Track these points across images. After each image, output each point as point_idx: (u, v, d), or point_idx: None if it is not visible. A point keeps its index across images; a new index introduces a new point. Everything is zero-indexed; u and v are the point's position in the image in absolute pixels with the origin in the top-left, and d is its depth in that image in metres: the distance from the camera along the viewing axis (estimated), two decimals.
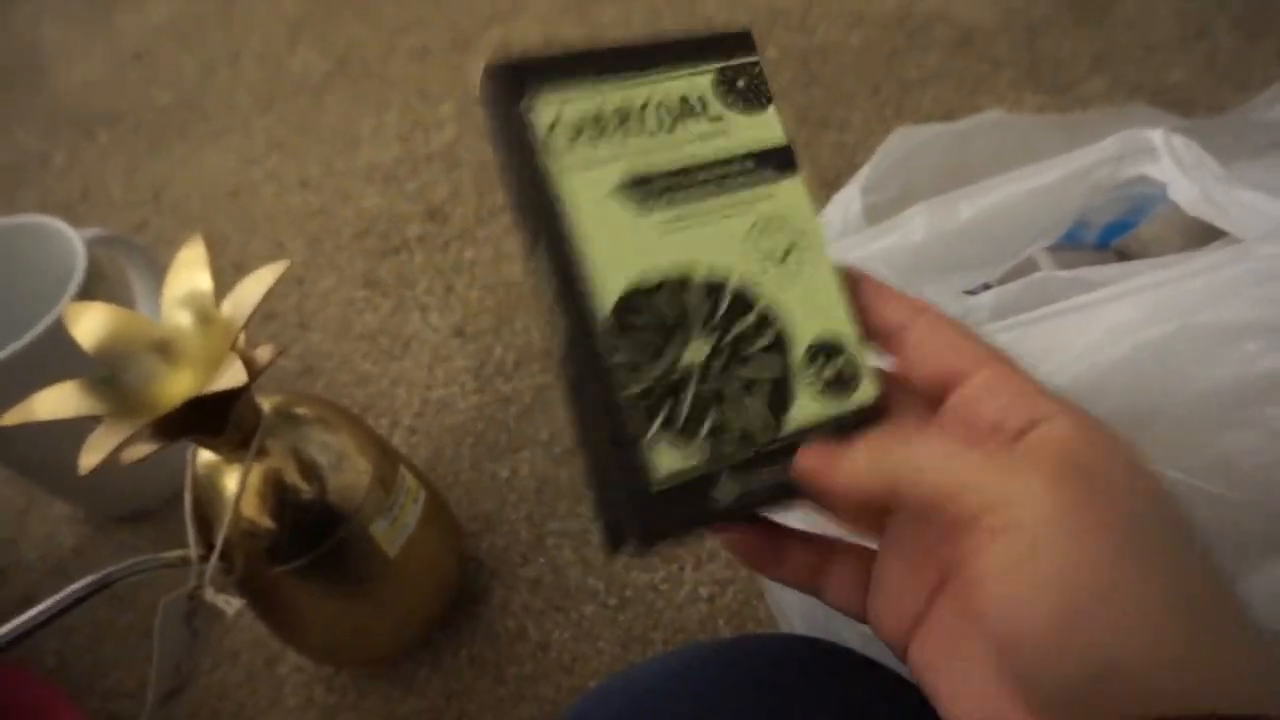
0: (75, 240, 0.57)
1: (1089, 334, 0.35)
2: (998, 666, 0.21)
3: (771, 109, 0.27)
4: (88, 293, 0.56)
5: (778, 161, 0.27)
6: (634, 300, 0.24)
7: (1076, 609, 0.19)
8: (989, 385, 0.23)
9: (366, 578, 0.50)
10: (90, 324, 0.44)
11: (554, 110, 0.25)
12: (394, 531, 0.50)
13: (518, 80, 0.25)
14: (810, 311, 0.26)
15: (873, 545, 0.26)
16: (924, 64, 0.81)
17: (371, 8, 0.96)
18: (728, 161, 0.26)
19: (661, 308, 0.24)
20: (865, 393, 0.26)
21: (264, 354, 0.43)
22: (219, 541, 0.45)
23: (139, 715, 0.55)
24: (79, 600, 0.42)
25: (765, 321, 0.25)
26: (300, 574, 0.48)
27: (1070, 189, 0.47)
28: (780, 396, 0.25)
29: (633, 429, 0.24)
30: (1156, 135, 0.44)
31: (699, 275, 0.25)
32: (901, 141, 0.55)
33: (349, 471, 0.49)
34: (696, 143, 0.26)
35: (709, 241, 0.25)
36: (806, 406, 0.25)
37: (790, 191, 0.26)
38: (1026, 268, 0.56)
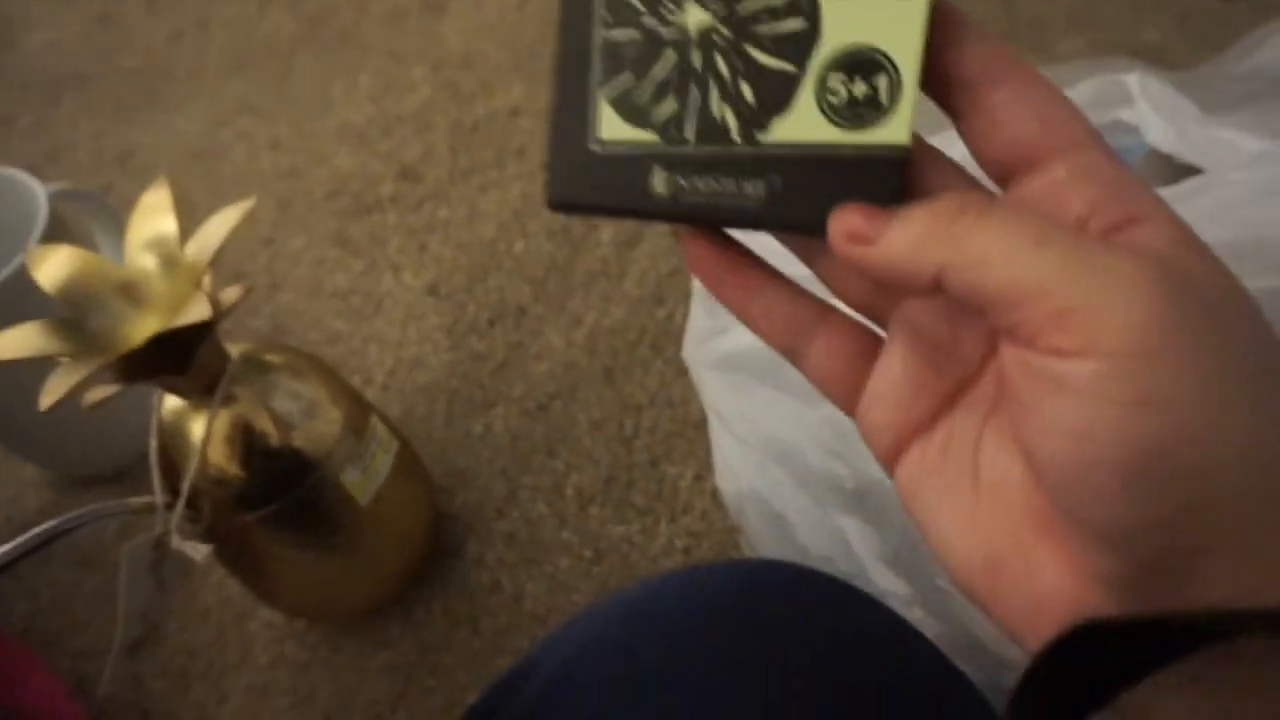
0: (38, 190, 0.56)
1: None
2: (1032, 502, 0.19)
3: None
4: (50, 243, 0.54)
5: None
6: None
7: (1180, 436, 0.16)
8: (1080, 170, 0.19)
9: (338, 527, 0.49)
10: (53, 267, 0.43)
11: None
12: (366, 480, 0.49)
13: None
14: (862, 11, 0.20)
15: (873, 327, 0.23)
16: None
17: None
18: None
19: None
20: (893, 132, 0.20)
21: (231, 294, 0.43)
22: (185, 488, 0.44)
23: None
24: (44, 543, 0.41)
25: (797, 4, 0.20)
26: (270, 522, 0.47)
27: None
28: (778, 98, 0.21)
29: (593, 79, 0.21)
30: (1132, 79, 0.44)
31: None
32: None
33: (319, 419, 0.48)
34: None
35: None
36: (807, 120, 0.20)
37: None
38: None
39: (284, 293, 0.72)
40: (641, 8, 0.21)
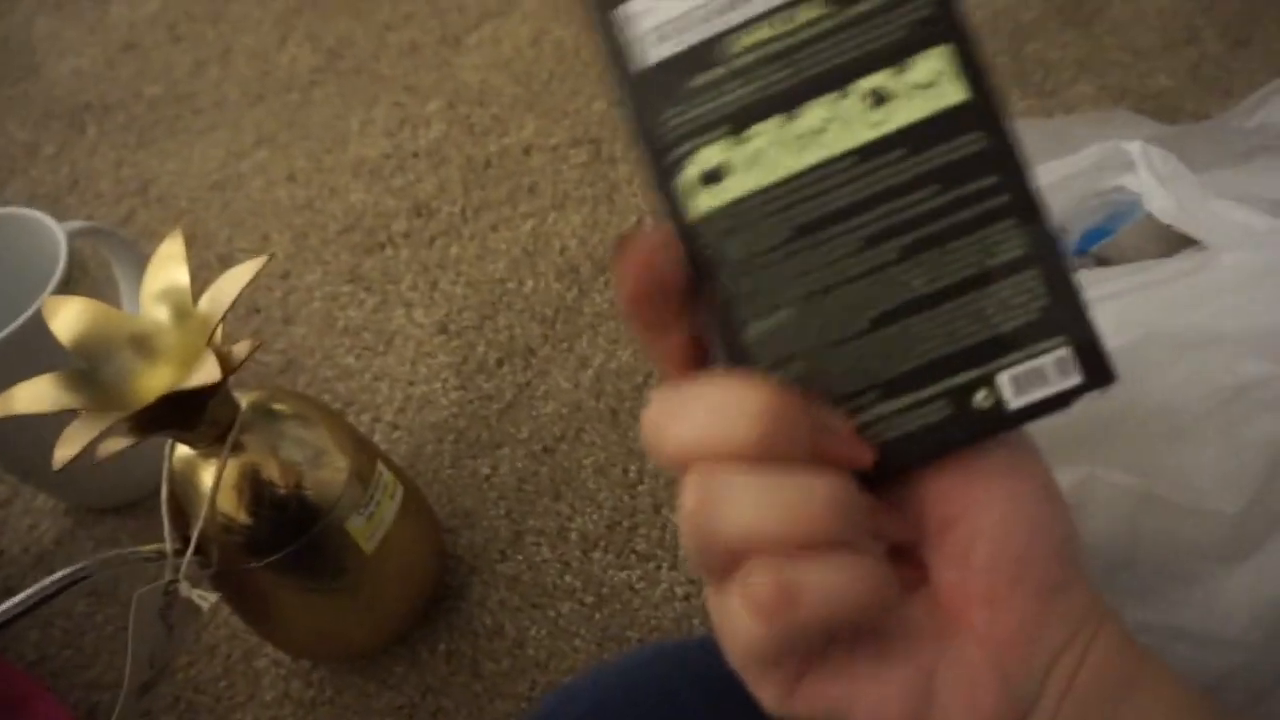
0: (57, 232, 0.57)
1: None
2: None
3: None
4: (70, 285, 0.56)
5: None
6: None
7: None
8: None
9: (343, 573, 0.50)
10: (69, 318, 0.44)
11: None
12: (371, 527, 0.50)
13: None
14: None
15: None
16: None
17: (362, 3, 0.96)
18: None
19: None
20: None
21: (241, 349, 0.44)
22: (195, 535, 0.45)
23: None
24: (57, 592, 0.42)
25: None
26: (277, 569, 0.48)
27: (1050, 199, 0.48)
28: None
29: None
30: (1134, 147, 0.45)
31: None
32: None
33: (326, 467, 0.49)
34: None
35: None
36: None
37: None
38: None
39: (297, 327, 0.73)
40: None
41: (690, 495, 0.19)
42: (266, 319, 0.73)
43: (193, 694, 0.57)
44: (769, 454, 0.19)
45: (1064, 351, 0.22)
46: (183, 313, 0.44)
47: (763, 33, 0.22)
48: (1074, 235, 0.57)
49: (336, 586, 0.50)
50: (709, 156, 0.22)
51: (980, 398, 0.22)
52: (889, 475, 0.21)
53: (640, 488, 0.61)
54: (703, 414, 0.19)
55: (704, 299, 0.22)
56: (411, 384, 0.68)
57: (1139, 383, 0.34)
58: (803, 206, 0.22)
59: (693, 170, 0.22)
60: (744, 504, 0.19)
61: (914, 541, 0.21)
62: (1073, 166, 0.48)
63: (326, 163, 0.83)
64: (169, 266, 0.45)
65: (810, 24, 0.22)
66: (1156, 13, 0.78)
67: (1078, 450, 0.36)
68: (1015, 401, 0.22)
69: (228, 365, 0.42)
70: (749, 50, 0.22)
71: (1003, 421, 0.22)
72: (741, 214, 0.22)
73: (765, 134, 0.22)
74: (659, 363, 0.22)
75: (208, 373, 0.39)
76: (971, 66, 0.22)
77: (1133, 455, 0.34)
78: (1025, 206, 0.22)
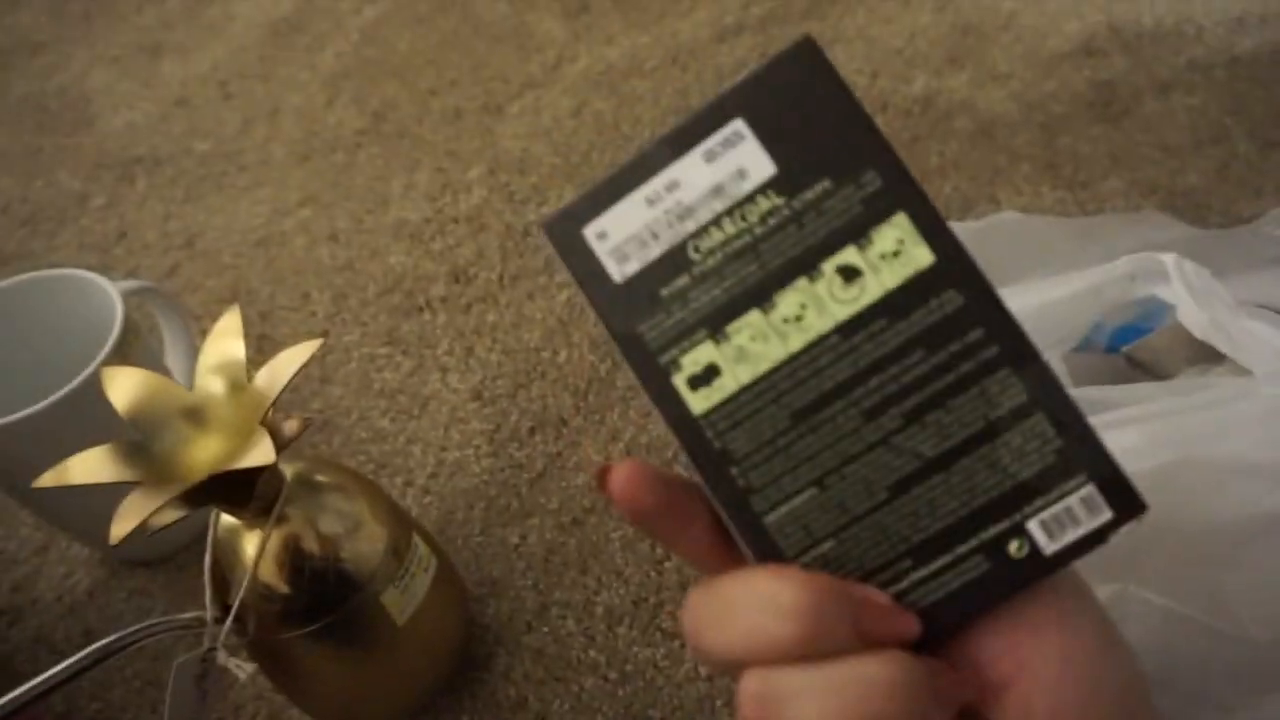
0: (112, 293, 0.59)
1: None
2: None
3: None
4: (122, 344, 0.57)
5: None
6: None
7: None
8: None
9: (375, 645, 0.51)
10: (125, 387, 0.46)
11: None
12: (404, 600, 0.51)
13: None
14: None
15: None
16: (944, 153, 0.82)
17: (408, 68, 0.99)
18: None
19: None
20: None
21: (291, 427, 0.45)
22: (235, 604, 0.46)
23: None
24: (97, 661, 0.43)
25: None
26: (310, 638, 0.49)
27: (1084, 304, 0.49)
28: None
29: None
30: (1169, 259, 0.46)
31: None
32: None
33: (364, 539, 0.50)
34: None
35: None
36: None
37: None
38: None
39: (334, 387, 0.74)
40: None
41: (749, 706, 0.19)
42: (304, 378, 0.74)
43: None
44: (818, 648, 0.19)
45: (1088, 489, 0.23)
46: (237, 386, 0.45)
47: (722, 233, 0.23)
48: (1105, 332, 0.58)
49: (368, 658, 0.51)
50: (697, 359, 0.23)
51: (1014, 548, 0.22)
52: (940, 637, 0.22)
53: (667, 564, 0.61)
54: (743, 619, 0.20)
55: (716, 494, 0.23)
56: (444, 449, 0.69)
57: (1175, 507, 0.34)
58: (798, 391, 0.23)
59: (683, 375, 0.23)
60: (807, 708, 0.19)
61: (977, 702, 0.22)
62: (1106, 275, 0.49)
63: (368, 224, 0.85)
64: (225, 340, 0.47)
65: (767, 216, 0.23)
66: (1186, 111, 0.80)
67: (1110, 567, 0.36)
68: (1051, 546, 0.22)
69: (278, 442, 0.43)
70: (712, 252, 0.23)
71: (1042, 567, 0.22)
72: (740, 408, 0.23)
73: (746, 329, 0.23)
74: (684, 557, 0.23)
75: (263, 454, 0.40)
76: (931, 227, 0.23)
77: (1167, 577, 0.34)
78: (1017, 352, 0.23)
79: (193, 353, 0.68)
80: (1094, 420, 0.39)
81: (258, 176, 0.92)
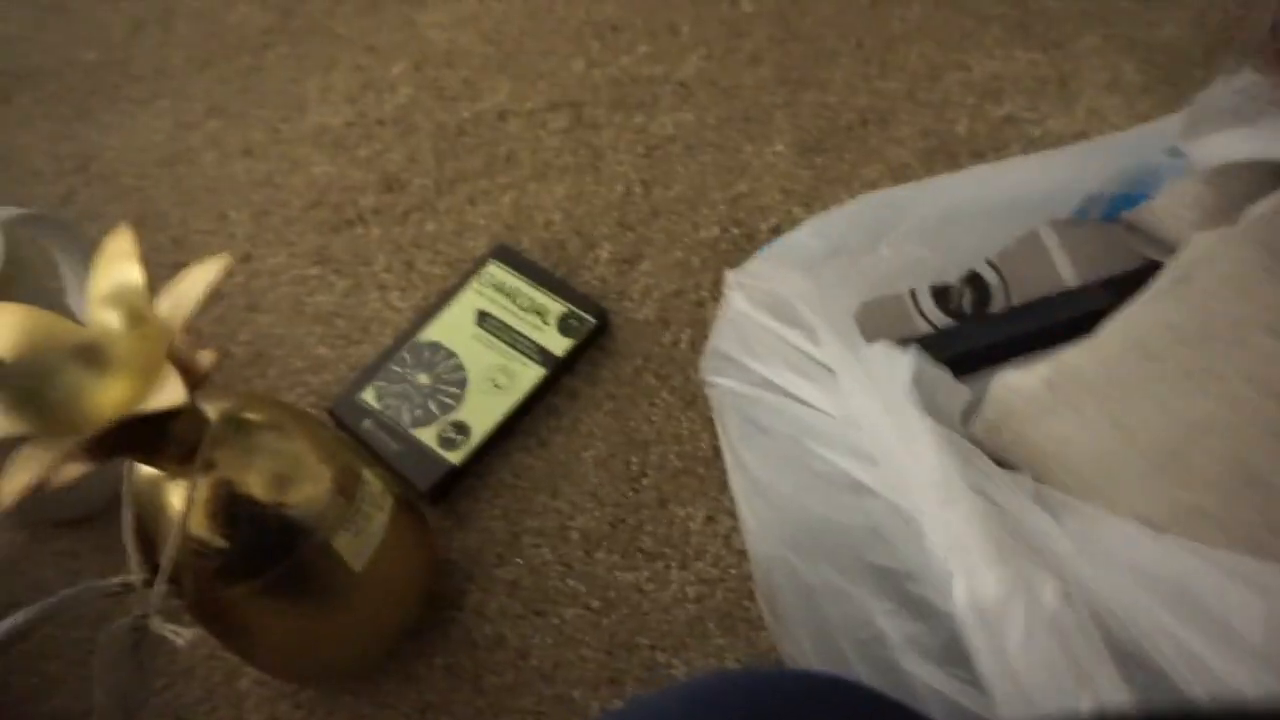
0: None
1: None
2: None
3: None
4: (7, 281, 0.50)
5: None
6: None
7: None
8: None
9: (330, 593, 0.46)
10: (6, 329, 0.39)
11: None
12: (359, 543, 0.46)
13: None
14: None
15: None
16: (907, 17, 0.76)
17: None
18: None
19: None
20: None
21: (205, 359, 0.39)
22: (165, 565, 0.40)
23: None
24: (16, 637, 0.38)
25: None
26: (257, 593, 0.44)
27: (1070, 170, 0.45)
28: None
29: None
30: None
31: None
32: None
33: (307, 480, 0.44)
34: None
35: None
36: None
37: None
38: (1030, 243, 0.53)
39: (263, 314, 0.67)
40: None
41: None
42: (229, 307, 0.68)
43: None
44: None
45: None
46: (138, 317, 0.39)
47: None
48: (1102, 203, 0.54)
49: (324, 608, 0.46)
50: None
51: None
52: None
53: (644, 480, 0.57)
54: None
55: None
56: None
57: None
58: None
59: None
60: None
61: None
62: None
63: (284, 133, 0.77)
64: (118, 264, 0.40)
65: None
66: None
67: None
68: None
69: (191, 379, 0.37)
70: None
71: None
72: None
73: None
74: None
75: (171, 394, 0.34)
76: None
77: None
78: None
79: None
80: None
81: (155, 87, 0.82)
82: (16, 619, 0.38)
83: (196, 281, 0.37)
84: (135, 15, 0.88)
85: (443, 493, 0.57)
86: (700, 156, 0.70)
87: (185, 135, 0.79)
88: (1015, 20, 0.75)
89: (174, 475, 0.41)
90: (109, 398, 0.38)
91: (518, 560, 0.55)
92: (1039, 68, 0.72)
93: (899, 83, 0.73)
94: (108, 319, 0.39)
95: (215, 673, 0.54)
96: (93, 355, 0.38)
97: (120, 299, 0.39)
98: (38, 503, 0.59)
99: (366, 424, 0.58)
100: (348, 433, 0.58)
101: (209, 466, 0.41)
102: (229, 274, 0.68)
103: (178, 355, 0.37)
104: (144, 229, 0.74)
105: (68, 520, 0.61)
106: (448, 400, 0.59)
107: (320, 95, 0.79)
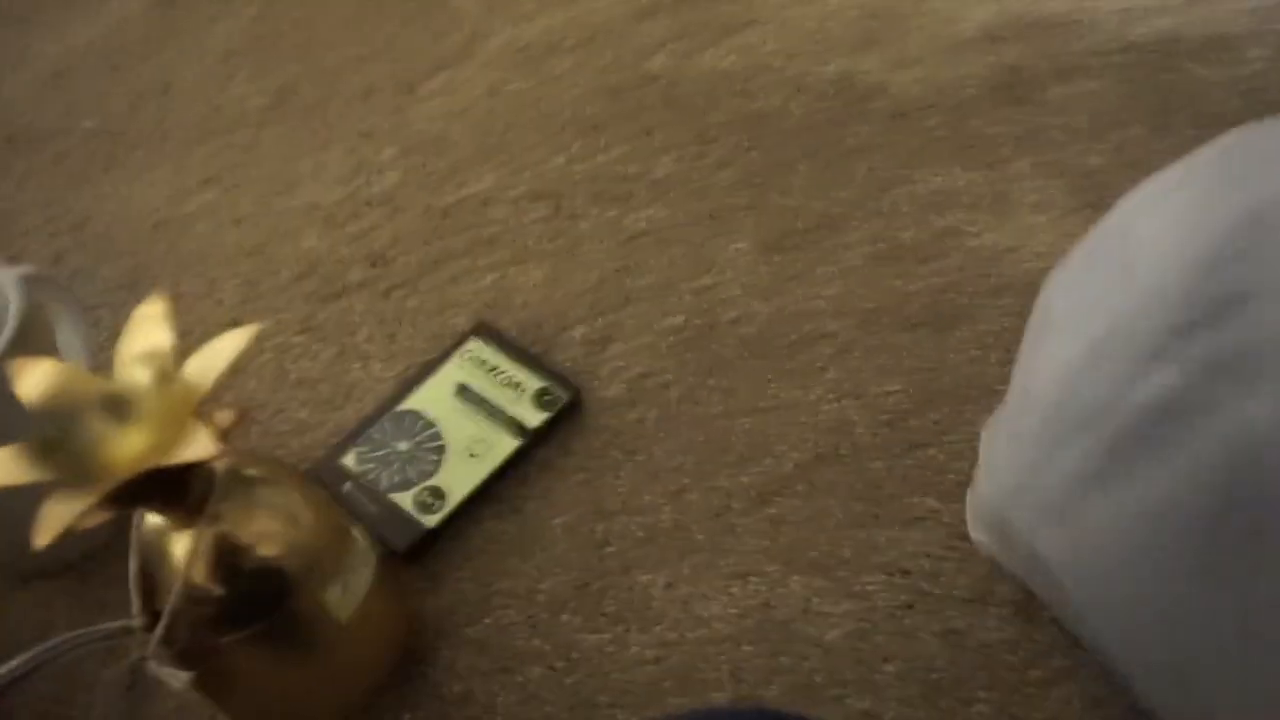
0: (6, 281, 0.55)
1: None
2: None
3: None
4: (24, 335, 0.53)
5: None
6: None
7: None
8: None
9: (315, 644, 0.49)
10: (38, 380, 0.42)
11: None
12: (346, 596, 0.49)
13: None
14: None
15: None
16: (860, 133, 0.84)
17: (311, 45, 0.95)
18: None
19: None
20: None
21: (225, 418, 0.42)
22: (167, 611, 0.43)
23: None
24: (13, 681, 0.40)
25: None
26: (247, 642, 0.46)
27: None
28: None
29: None
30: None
31: None
32: None
33: (302, 535, 0.48)
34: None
35: None
36: None
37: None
38: None
39: (247, 379, 0.70)
40: None
41: None
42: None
43: None
44: None
45: None
46: (165, 377, 0.42)
47: None
48: None
49: (308, 658, 0.49)
50: None
51: None
52: None
53: (609, 549, 0.61)
54: None
55: None
56: None
57: None
58: None
59: None
60: None
61: None
62: None
63: (277, 206, 0.81)
64: (150, 326, 0.43)
65: None
66: (1088, 95, 0.83)
67: None
68: None
69: (219, 438, 0.40)
70: None
71: None
72: None
73: None
74: None
75: (201, 447, 0.37)
76: None
77: None
78: None
79: (89, 347, 0.63)
80: None
81: (151, 157, 0.86)
82: (20, 659, 0.40)
83: (226, 347, 0.41)
84: (136, 88, 0.92)
85: (418, 554, 0.60)
86: (670, 250, 0.76)
87: (179, 203, 0.82)
88: (957, 142, 0.82)
89: (178, 525, 0.44)
90: (131, 448, 0.41)
91: (486, 620, 0.58)
92: (977, 185, 0.80)
93: (851, 192, 0.80)
94: (136, 375, 0.42)
95: (203, 718, 0.56)
96: (118, 407, 0.42)
97: (149, 359, 0.43)
98: (13, 555, 0.61)
99: (347, 486, 0.61)
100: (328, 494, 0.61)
101: (214, 519, 0.44)
102: (217, 325, 0.72)
103: (201, 414, 0.41)
104: (134, 291, 0.77)
105: (39, 572, 0.62)
106: (426, 467, 0.62)
107: (313, 173, 0.84)
